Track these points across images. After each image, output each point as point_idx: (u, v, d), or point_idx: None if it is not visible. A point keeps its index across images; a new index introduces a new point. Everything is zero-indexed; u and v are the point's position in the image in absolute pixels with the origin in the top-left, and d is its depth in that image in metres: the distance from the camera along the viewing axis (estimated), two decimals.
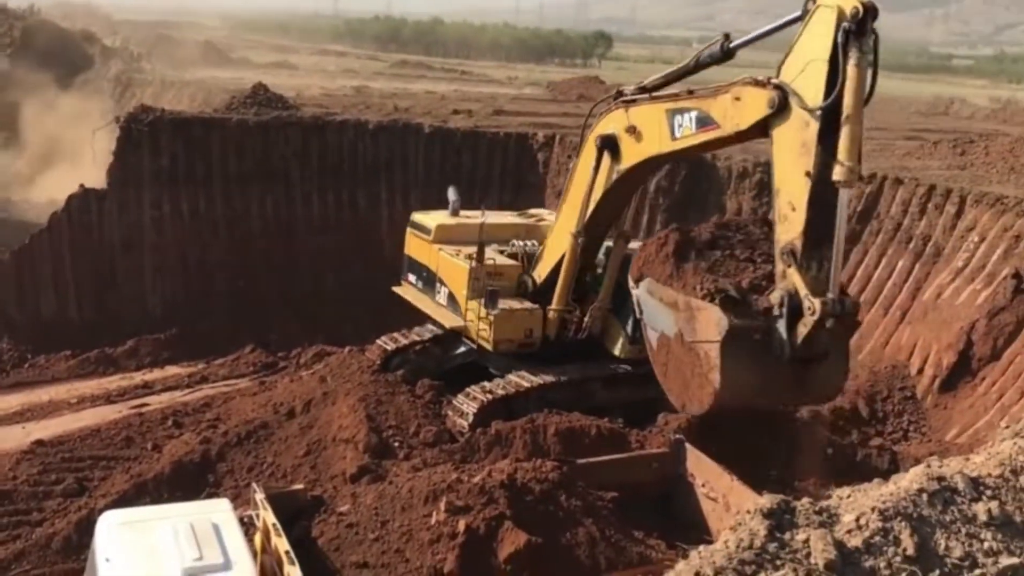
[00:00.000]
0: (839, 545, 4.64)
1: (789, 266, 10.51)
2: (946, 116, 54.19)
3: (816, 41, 10.43)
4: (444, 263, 17.64)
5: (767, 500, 4.99)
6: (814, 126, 10.32)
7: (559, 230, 16.27)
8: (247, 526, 10.60)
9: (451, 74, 66.51)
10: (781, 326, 10.48)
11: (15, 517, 15.23)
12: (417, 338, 18.15)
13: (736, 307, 11.10)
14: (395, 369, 17.49)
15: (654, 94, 13.71)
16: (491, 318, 16.34)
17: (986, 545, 4.89)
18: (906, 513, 4.90)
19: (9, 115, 41.68)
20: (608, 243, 16.52)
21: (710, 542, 5.00)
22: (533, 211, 20.12)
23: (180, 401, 20.49)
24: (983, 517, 5.03)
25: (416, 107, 35.15)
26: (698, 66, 13.04)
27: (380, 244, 27.73)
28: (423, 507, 11.08)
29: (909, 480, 5.27)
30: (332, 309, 25.66)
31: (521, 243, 17.66)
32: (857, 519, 4.85)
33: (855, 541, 4.70)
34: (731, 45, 12.31)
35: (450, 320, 17.44)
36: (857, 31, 10.03)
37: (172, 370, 22.84)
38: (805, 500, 5.10)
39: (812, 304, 10.16)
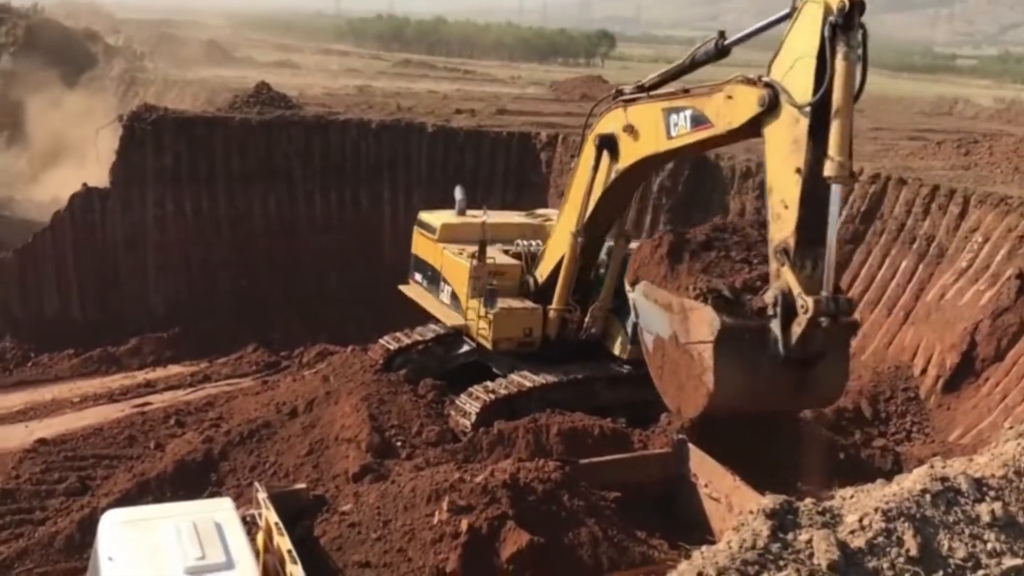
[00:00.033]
0: (842, 546, 4.63)
1: (782, 265, 10.38)
2: (950, 116, 54.13)
3: (804, 37, 10.40)
4: (448, 262, 17.67)
5: (770, 500, 4.98)
6: (804, 123, 10.27)
7: (560, 230, 16.28)
8: (249, 525, 10.61)
9: (454, 73, 66.51)
10: (775, 326, 10.32)
11: (18, 516, 15.26)
12: (420, 338, 18.15)
13: (729, 307, 11.03)
14: (398, 369, 17.49)
15: (651, 93, 13.70)
16: (490, 317, 16.38)
17: (989, 546, 4.88)
18: (909, 514, 4.89)
19: (12, 113, 41.77)
20: (610, 243, 16.51)
21: (713, 542, 4.99)
22: (540, 211, 20.11)
23: (183, 400, 20.52)
24: (986, 518, 5.02)
25: (419, 106, 35.15)
26: (694, 64, 13.00)
27: (383, 243, 27.80)
28: (425, 507, 11.08)
29: (912, 481, 5.26)
30: (335, 308, 25.69)
31: (525, 243, 17.65)
32: (860, 520, 4.84)
33: (858, 542, 4.69)
34: (725, 43, 12.28)
35: (452, 319, 17.48)
36: (844, 25, 9.98)
37: (175, 369, 22.88)
38: (808, 500, 5.09)
39: (805, 302, 10.03)
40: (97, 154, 29.55)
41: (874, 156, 28.49)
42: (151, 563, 8.84)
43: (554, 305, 16.46)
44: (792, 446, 14.16)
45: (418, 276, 19.05)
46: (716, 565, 4.45)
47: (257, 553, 9.97)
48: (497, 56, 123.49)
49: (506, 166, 29.44)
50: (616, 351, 16.52)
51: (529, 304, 16.80)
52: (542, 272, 16.89)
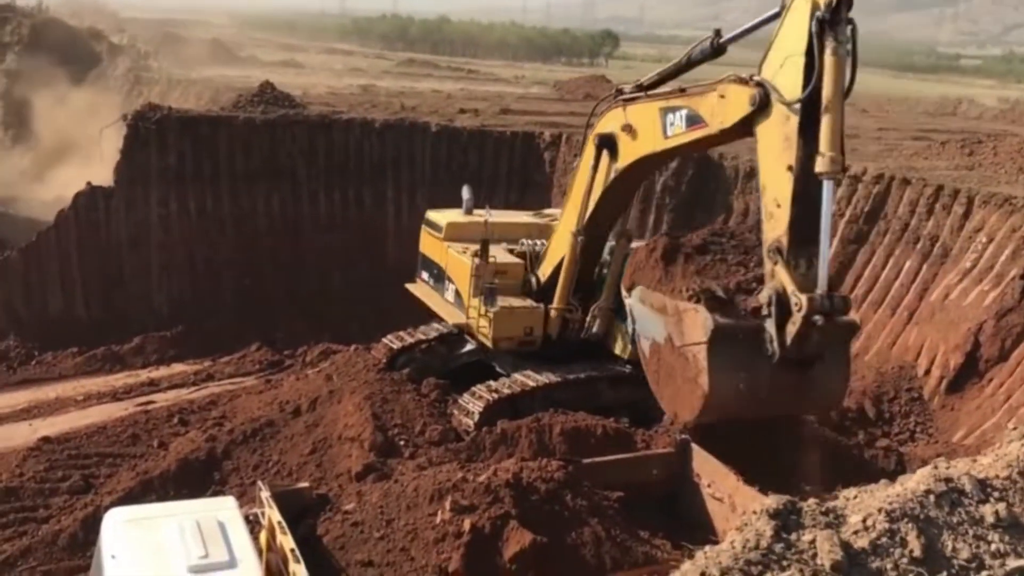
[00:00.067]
0: (845, 546, 4.62)
1: (776, 264, 10.26)
2: (954, 116, 54.06)
3: (793, 35, 10.37)
4: (452, 260, 17.72)
5: (773, 500, 4.97)
6: (794, 120, 10.22)
7: (561, 229, 16.30)
8: (252, 524, 10.62)
9: (458, 73, 66.53)
10: (770, 325, 10.16)
11: (22, 514, 15.28)
12: (423, 337, 18.17)
13: (723, 307, 10.88)
14: (401, 368, 17.51)
15: (649, 92, 13.69)
16: (490, 315, 16.41)
17: (993, 547, 4.87)
18: (913, 514, 4.88)
19: (17, 112, 41.86)
20: (612, 243, 16.51)
21: (716, 542, 4.99)
22: (548, 211, 20.13)
23: (186, 399, 20.54)
24: (990, 519, 5.01)
25: (423, 106, 35.17)
26: (690, 63, 12.97)
27: (386, 243, 27.84)
28: (428, 506, 11.08)
29: (916, 481, 5.26)
30: (338, 307, 25.72)
31: (530, 242, 17.66)
32: (864, 520, 4.83)
33: (862, 542, 4.68)
34: (721, 41, 12.26)
35: (455, 317, 17.52)
36: (831, 20, 9.94)
37: (178, 368, 22.91)
38: (811, 501, 5.09)
39: (799, 300, 9.87)
40: (101, 153, 29.59)
41: (878, 156, 28.47)
42: (154, 562, 8.85)
43: (555, 304, 16.47)
44: (795, 447, 14.14)
45: (425, 275, 19.12)
46: (719, 565, 4.44)
47: (260, 552, 9.98)
48: (501, 56, 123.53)
49: (510, 166, 29.46)
50: (617, 351, 16.51)
51: (530, 303, 16.81)
52: (544, 271, 16.90)
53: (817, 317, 9.86)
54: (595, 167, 14.84)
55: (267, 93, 30.95)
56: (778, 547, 4.63)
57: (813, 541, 4.65)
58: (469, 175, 27.26)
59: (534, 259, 17.36)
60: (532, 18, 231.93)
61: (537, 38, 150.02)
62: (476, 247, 16.84)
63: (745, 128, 11.17)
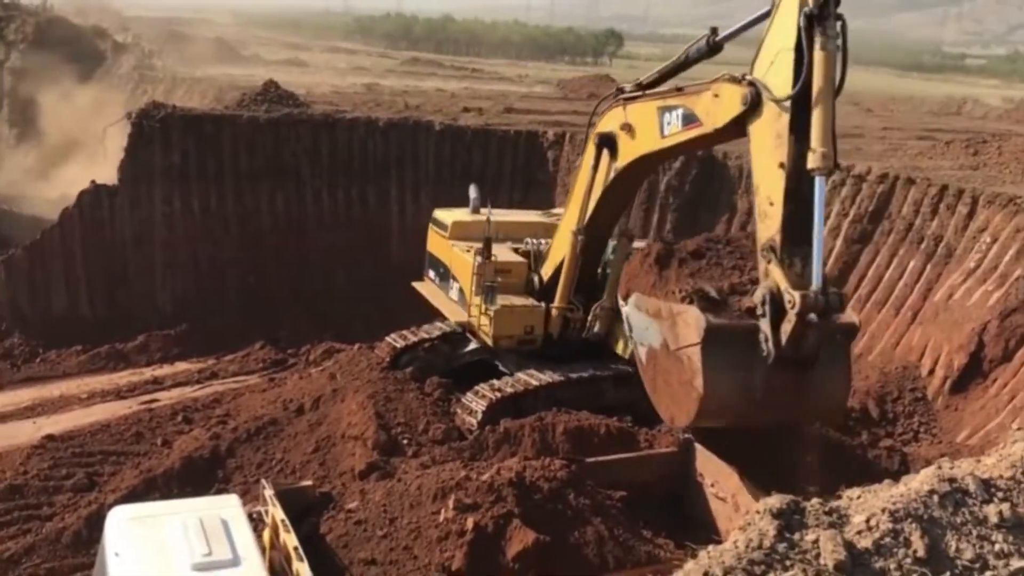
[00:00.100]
0: (849, 546, 4.62)
1: (770, 262, 10.15)
2: (959, 116, 53.93)
3: (782, 31, 10.35)
4: (456, 259, 17.77)
5: (776, 500, 4.97)
6: (785, 117, 10.18)
7: (563, 228, 16.33)
8: (256, 522, 10.65)
9: (461, 72, 66.50)
10: (765, 325, 10.00)
11: (25, 511, 15.31)
12: (426, 336, 18.19)
13: (716, 308, 10.77)
14: (404, 366, 17.53)
15: (648, 91, 13.67)
16: (490, 313, 16.45)
17: (997, 547, 4.86)
18: (916, 514, 4.88)
19: (22, 111, 41.92)
20: (615, 242, 16.52)
21: (719, 542, 4.99)
22: (556, 210, 20.17)
23: (190, 397, 20.57)
24: (994, 519, 5.01)
25: (426, 105, 35.18)
26: (687, 62, 12.95)
27: (390, 242, 27.86)
28: (431, 504, 11.09)
29: (920, 481, 5.25)
30: (342, 306, 25.74)
31: (535, 241, 17.68)
32: (867, 520, 4.83)
33: (865, 542, 4.68)
34: (717, 39, 12.23)
35: (458, 315, 17.57)
36: (820, 15, 9.92)
37: (182, 366, 22.94)
38: (815, 500, 5.08)
39: (792, 297, 9.71)
40: (106, 151, 29.63)
41: (882, 155, 28.42)
42: (158, 559, 8.87)
43: (556, 303, 16.49)
44: (798, 446, 14.11)
45: (431, 273, 19.22)
46: (722, 565, 4.44)
47: (263, 550, 9.99)
48: (504, 54, 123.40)
49: (513, 164, 29.46)
50: (619, 351, 16.51)
51: (531, 302, 16.84)
52: (546, 270, 16.93)
53: (812, 316, 9.71)
54: (595, 166, 14.86)
55: (271, 92, 30.98)
56: (781, 547, 4.62)
57: (816, 541, 4.65)
58: (473, 174, 27.26)
59: (538, 258, 17.39)
60: (536, 16, 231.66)
61: (541, 37, 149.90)
62: (479, 246, 16.89)
63: (738, 127, 11.13)
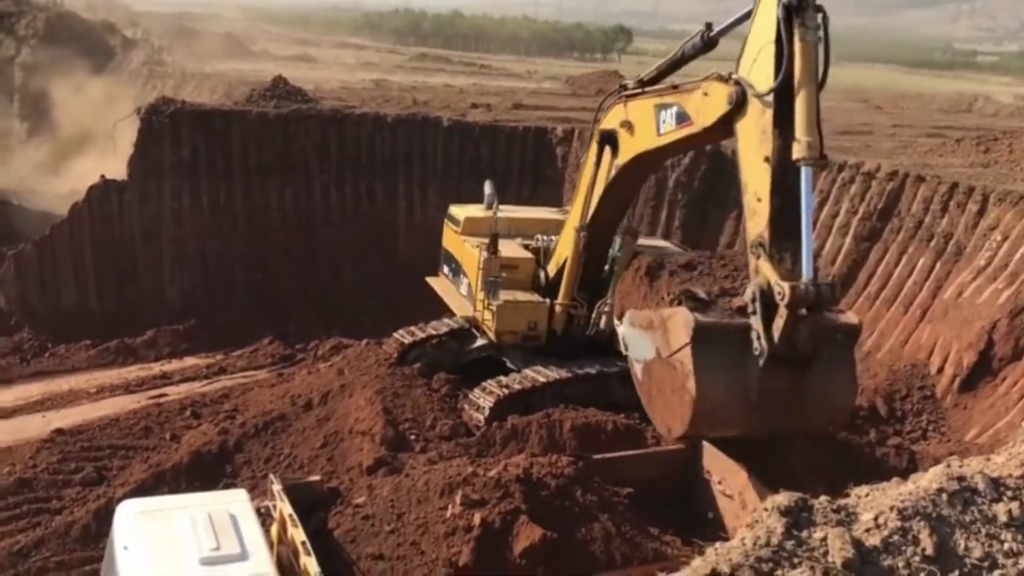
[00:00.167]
0: (857, 544, 4.60)
1: (759, 258, 9.93)
2: (969, 113, 53.68)
3: (764, 27, 10.30)
4: (466, 254, 17.81)
5: (784, 497, 4.96)
6: (770, 112, 10.09)
7: (567, 225, 16.35)
8: (264, 516, 10.66)
9: (470, 68, 66.48)
10: (756, 322, 9.71)
11: (35, 505, 15.39)
12: (434, 332, 18.23)
13: (705, 308, 10.55)
14: (412, 362, 17.56)
15: (646, 89, 13.62)
16: (493, 308, 16.49)
17: (1006, 546, 4.84)
18: (925, 513, 4.86)
19: (32, 106, 42.04)
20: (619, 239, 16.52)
21: (726, 539, 4.97)
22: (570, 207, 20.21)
23: (198, 392, 20.62)
24: (1003, 518, 4.99)
25: (435, 100, 35.17)
26: (683, 58, 12.87)
27: (398, 238, 27.90)
28: (439, 500, 11.10)
29: (928, 479, 5.23)
30: (350, 302, 25.79)
31: (545, 238, 17.70)
32: (875, 518, 4.81)
33: (873, 540, 4.66)
34: (711, 35, 12.17)
35: (465, 310, 17.62)
36: (799, 6, 9.85)
37: (191, 361, 23.01)
38: (823, 498, 5.07)
39: (782, 289, 9.42)
40: (115, 146, 29.69)
41: (892, 153, 28.32)
42: (166, 553, 8.90)
43: (559, 300, 16.50)
44: (806, 443, 14.07)
45: (445, 268, 19.33)
46: (730, 562, 4.43)
47: (271, 544, 10.03)
48: (513, 50, 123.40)
49: (522, 161, 29.44)
50: (623, 349, 16.50)
51: (535, 298, 16.87)
52: (552, 267, 16.96)
53: (803, 310, 9.47)
54: (598, 163, 14.85)
55: (280, 87, 30.99)
56: (789, 544, 4.61)
57: (824, 539, 4.64)
58: (481, 170, 27.28)
59: (547, 255, 17.40)
60: (545, 12, 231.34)
61: (549, 33, 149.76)
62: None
63: (726, 126, 11.02)
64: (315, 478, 13.21)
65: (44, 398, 20.48)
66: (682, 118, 12.15)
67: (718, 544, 4.77)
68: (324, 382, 17.57)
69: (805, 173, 9.65)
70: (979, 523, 4.94)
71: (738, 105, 10.59)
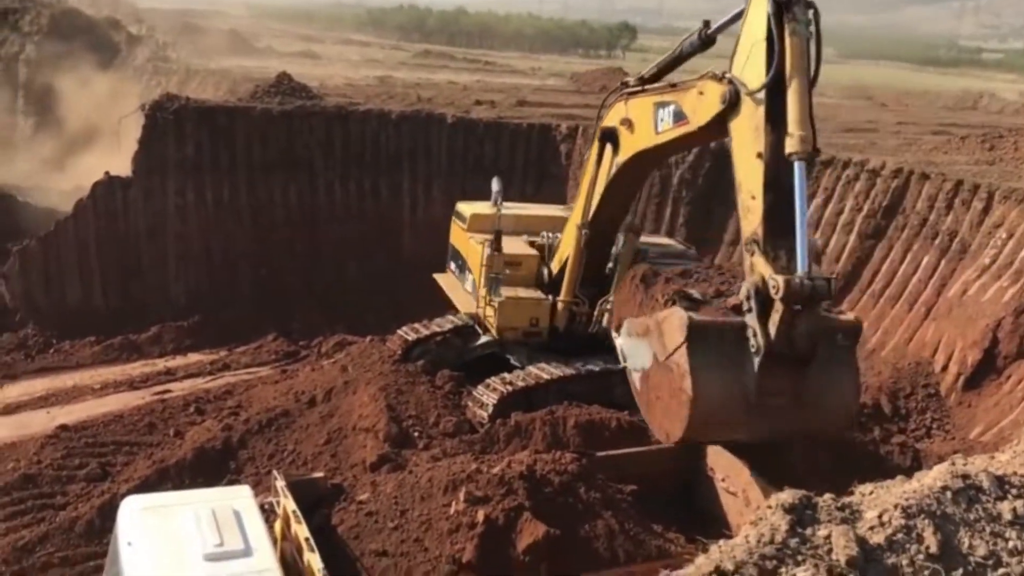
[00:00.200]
0: (861, 542, 4.60)
1: (753, 255, 9.80)
2: (975, 110, 53.57)
3: (755, 24, 10.27)
4: (472, 251, 17.84)
5: (788, 495, 4.95)
6: (762, 109, 10.04)
7: (570, 222, 16.36)
8: (268, 513, 10.68)
9: (474, 64, 66.44)
10: (752, 320, 9.57)
11: (39, 500, 15.42)
12: (438, 329, 18.24)
13: (700, 308, 10.41)
14: (416, 359, 17.58)
15: (646, 87, 13.59)
16: (495, 305, 16.51)
17: (1011, 544, 4.84)
18: (929, 511, 4.85)
19: (37, 102, 42.08)
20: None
21: (730, 537, 4.97)
22: None
23: (202, 388, 20.64)
24: (1008, 516, 4.98)
25: (439, 97, 35.16)
26: (682, 56, 12.83)
27: (402, 234, 27.92)
28: (442, 497, 11.11)
29: (933, 477, 5.22)
30: (354, 299, 25.80)
31: (550, 235, 17.71)
32: (880, 516, 4.81)
33: (877, 538, 4.66)
34: (709, 32, 12.13)
35: (469, 306, 17.66)
36: (788, 1, 9.82)
37: (195, 357, 23.03)
38: (827, 496, 5.07)
39: (776, 282, 9.27)
40: (120, 143, 29.71)
41: (897, 150, 28.26)
42: (170, 549, 8.91)
43: (562, 297, 16.52)
44: (810, 441, 14.03)
45: (452, 265, 19.37)
46: (734, 559, 4.43)
47: (275, 541, 10.03)
48: (517, 47, 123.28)
49: (526, 158, 29.42)
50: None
51: (537, 294, 16.88)
52: (555, 264, 16.98)
53: (796, 301, 9.32)
54: (599, 161, 14.85)
55: (284, 84, 30.99)
56: (793, 542, 4.61)
57: (828, 536, 4.63)
58: (485, 167, 27.28)
59: (551, 252, 17.41)
60: (549, 9, 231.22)
61: (554, 30, 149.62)
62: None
63: (721, 126, 10.95)
64: (319, 475, 13.23)
65: (48, 394, 20.52)
66: (679, 117, 12.12)
67: (722, 541, 4.77)
68: (328, 379, 17.59)
69: (798, 168, 9.58)
70: (983, 521, 4.93)
71: (731, 104, 10.54)
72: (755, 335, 9.54)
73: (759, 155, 10.00)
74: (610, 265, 16.70)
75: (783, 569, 4.43)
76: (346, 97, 32.60)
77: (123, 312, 24.59)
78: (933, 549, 4.63)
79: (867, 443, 15.57)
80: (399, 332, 18.46)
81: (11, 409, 19.73)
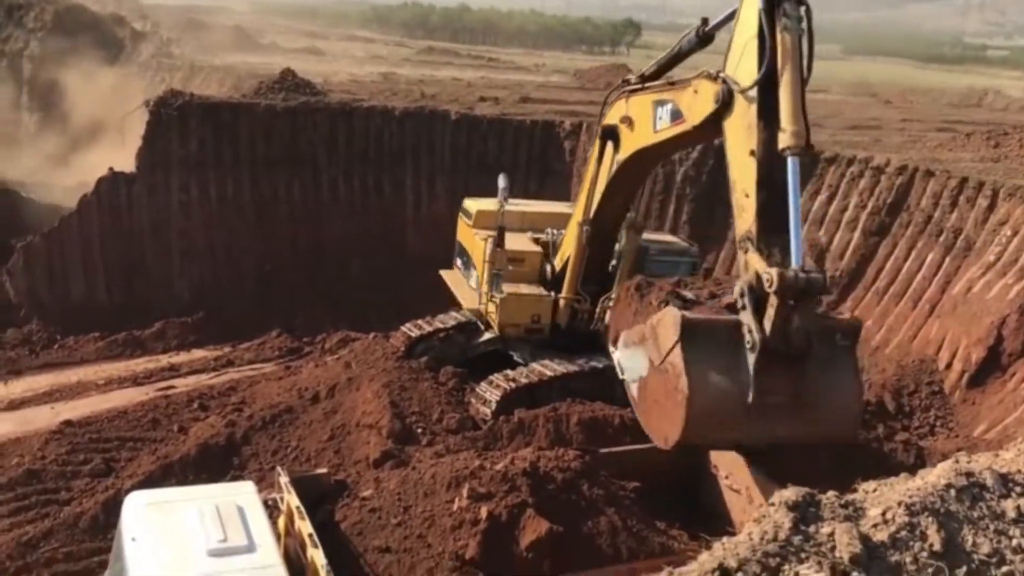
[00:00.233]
0: (864, 539, 4.59)
1: (746, 252, 9.69)
2: (979, 108, 53.48)
3: (747, 23, 10.21)
4: (476, 247, 17.87)
5: (792, 492, 4.94)
6: (754, 107, 10.00)
7: (572, 219, 16.36)
8: (271, 509, 10.70)
9: (478, 61, 66.43)
10: (746, 317, 9.37)
11: (44, 496, 15.46)
12: (441, 325, 18.25)
13: (694, 307, 10.17)
14: (419, 356, 17.59)
15: (646, 85, 13.57)
16: (496, 301, 16.53)
17: (1015, 542, 4.83)
18: (933, 508, 4.84)
19: (41, 98, 42.15)
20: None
21: (733, 534, 4.97)
22: None
23: (206, 384, 20.68)
24: (1012, 514, 4.97)
25: (443, 94, 35.15)
26: (680, 54, 12.78)
27: (405, 231, 27.92)
28: (446, 493, 11.12)
29: (937, 475, 5.21)
30: (357, 295, 25.82)
31: (555, 232, 17.72)
32: (883, 513, 4.80)
33: (881, 535, 4.65)
34: (707, 30, 12.09)
35: (472, 302, 17.68)
36: None
37: (198, 353, 23.07)
38: (831, 493, 5.05)
39: (770, 275, 9.07)
40: (124, 139, 29.75)
41: (901, 147, 28.21)
42: (174, 545, 8.93)
43: (563, 294, 16.52)
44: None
45: (459, 261, 19.41)
46: (737, 557, 4.42)
47: (278, 536, 10.05)
48: (521, 44, 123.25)
49: (529, 154, 29.41)
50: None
51: (538, 291, 16.89)
52: (558, 261, 17.00)
53: (791, 294, 9.12)
54: (600, 158, 14.84)
55: (288, 80, 31.03)
56: (796, 539, 4.60)
57: (832, 534, 4.62)
58: (489, 164, 27.28)
59: (555, 248, 17.42)
60: (553, 5, 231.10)
61: (558, 26, 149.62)
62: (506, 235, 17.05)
63: (716, 125, 10.87)
64: (322, 471, 13.25)
65: (53, 390, 20.57)
66: (676, 115, 12.08)
67: (725, 539, 4.76)
68: (331, 375, 17.61)
69: (792, 163, 9.48)
70: (987, 519, 4.92)
71: (725, 104, 10.50)
72: (750, 331, 9.37)
73: (752, 153, 9.94)
74: (613, 262, 16.69)
75: (786, 567, 4.43)
76: (350, 93, 32.60)
77: (127, 308, 24.64)
78: (937, 547, 4.62)
79: (871, 440, 15.56)
80: (402, 329, 18.48)
81: (15, 405, 19.79)
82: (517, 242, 17.40)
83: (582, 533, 10.84)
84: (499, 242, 16.63)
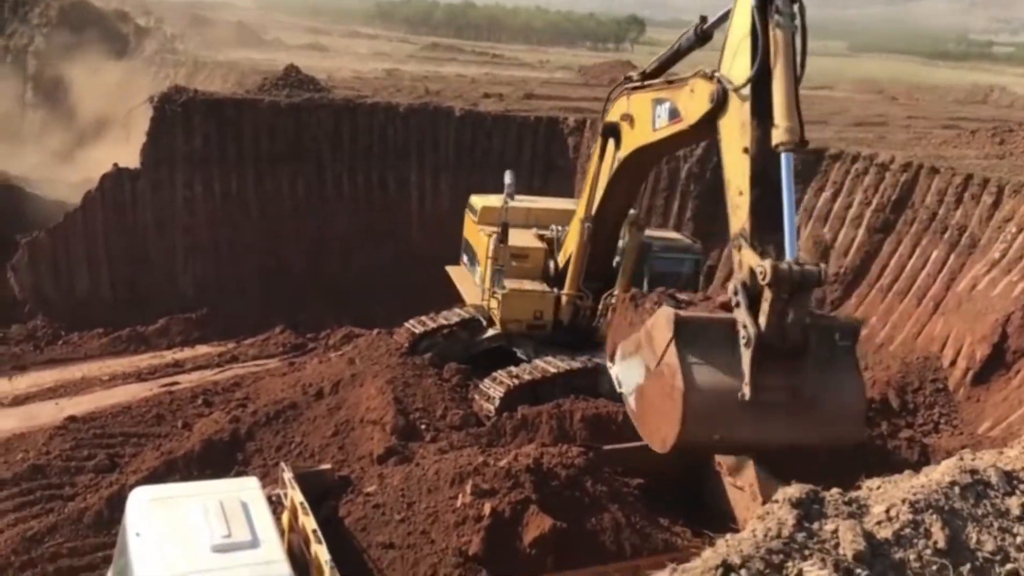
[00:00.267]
0: (868, 536, 4.59)
1: (740, 249, 9.64)
2: (985, 104, 53.28)
3: (741, 22, 10.24)
4: (481, 243, 17.88)
5: (795, 489, 4.94)
6: (747, 105, 10.00)
7: (574, 217, 16.36)
8: (275, 504, 10.71)
9: (482, 57, 66.30)
10: (741, 314, 9.28)
11: (48, 491, 15.48)
12: (445, 322, 18.26)
13: (688, 307, 10.10)
14: (423, 352, 17.60)
15: (648, 81, 13.56)
16: (498, 296, 16.54)
17: (1019, 540, 4.82)
18: (937, 506, 4.84)
19: (46, 94, 42.16)
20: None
21: (736, 530, 4.96)
22: None
23: (210, 380, 20.69)
24: (1016, 511, 4.96)
25: (447, 90, 35.11)
26: (680, 52, 12.77)
27: (409, 227, 27.90)
28: (449, 489, 11.13)
29: (941, 473, 5.20)
30: (361, 291, 25.81)
31: (559, 228, 17.72)
32: (887, 511, 4.79)
33: (885, 533, 4.64)
34: (705, 27, 12.08)
35: (476, 298, 17.69)
36: None
37: (202, 349, 23.08)
38: (834, 490, 5.05)
39: (763, 268, 9.01)
40: (128, 135, 29.75)
41: (906, 144, 28.13)
42: (178, 540, 8.95)
43: (565, 290, 16.52)
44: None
45: (464, 258, 19.41)
46: (741, 553, 4.42)
47: (282, 532, 10.07)
48: (525, 40, 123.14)
49: (533, 151, 29.39)
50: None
51: (541, 287, 16.89)
52: (561, 258, 17.00)
53: (785, 288, 9.03)
54: (602, 156, 14.84)
55: (292, 76, 30.99)
56: (800, 536, 4.60)
57: (836, 531, 4.62)
58: (493, 160, 27.27)
59: (559, 245, 17.42)
60: (557, 2, 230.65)
61: (562, 22, 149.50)
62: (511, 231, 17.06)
63: (712, 125, 10.86)
64: (326, 467, 13.27)
65: (57, 385, 20.60)
66: (674, 114, 12.08)
67: (729, 535, 4.76)
68: (335, 371, 17.62)
69: (785, 159, 9.47)
70: (991, 516, 4.91)
71: (719, 103, 10.50)
72: (745, 327, 9.24)
73: (745, 150, 9.94)
74: (616, 259, 16.68)
75: (790, 563, 4.42)
76: (354, 90, 32.57)
77: (131, 304, 24.65)
78: (941, 544, 4.62)
79: (875, 437, 15.54)
80: (406, 325, 18.48)
81: (20, 400, 19.82)
82: (521, 238, 17.39)
83: (585, 530, 10.84)
84: (502, 238, 16.64)
